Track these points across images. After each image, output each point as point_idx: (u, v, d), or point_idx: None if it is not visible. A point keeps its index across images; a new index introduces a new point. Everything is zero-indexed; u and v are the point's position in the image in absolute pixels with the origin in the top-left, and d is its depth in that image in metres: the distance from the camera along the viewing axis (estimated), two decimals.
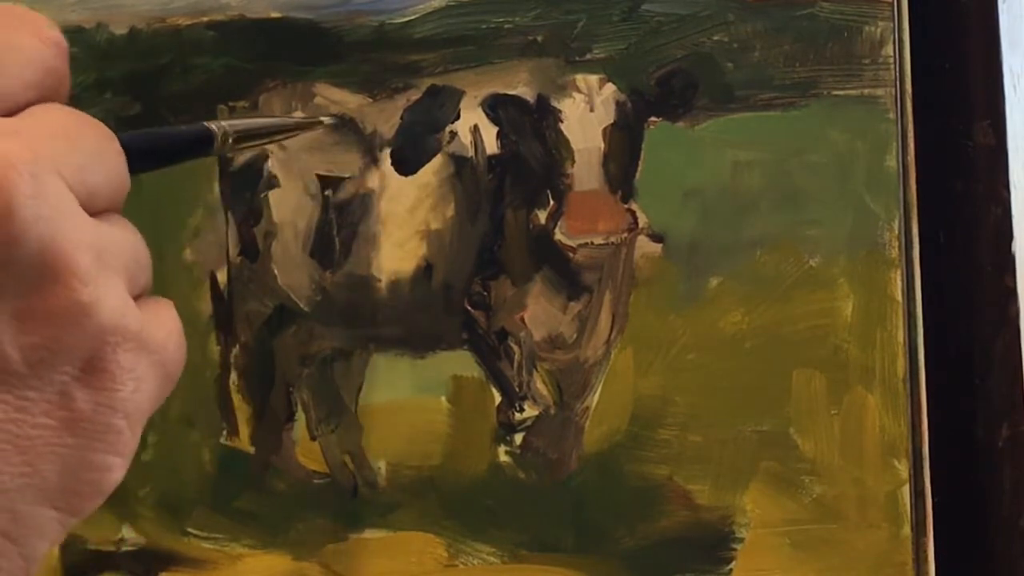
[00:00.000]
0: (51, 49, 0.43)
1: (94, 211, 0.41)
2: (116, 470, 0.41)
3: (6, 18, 0.41)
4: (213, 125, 0.53)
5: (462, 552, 0.73)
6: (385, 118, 0.74)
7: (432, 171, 0.74)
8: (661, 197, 0.71)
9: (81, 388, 0.39)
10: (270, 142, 0.70)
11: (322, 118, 0.72)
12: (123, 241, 0.43)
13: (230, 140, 0.54)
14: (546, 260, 0.73)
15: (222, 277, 0.76)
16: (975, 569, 0.72)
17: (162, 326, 0.44)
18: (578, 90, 0.72)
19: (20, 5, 0.42)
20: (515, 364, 0.73)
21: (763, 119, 0.71)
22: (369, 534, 0.74)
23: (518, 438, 0.73)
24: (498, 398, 0.73)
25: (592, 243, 0.72)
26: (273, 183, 0.76)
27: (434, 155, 0.74)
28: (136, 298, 0.43)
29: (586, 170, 0.72)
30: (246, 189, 0.76)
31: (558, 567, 0.72)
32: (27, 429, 0.38)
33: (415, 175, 0.74)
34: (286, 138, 0.70)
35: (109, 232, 0.41)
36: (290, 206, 0.76)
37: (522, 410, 0.73)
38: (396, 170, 0.74)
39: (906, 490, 0.69)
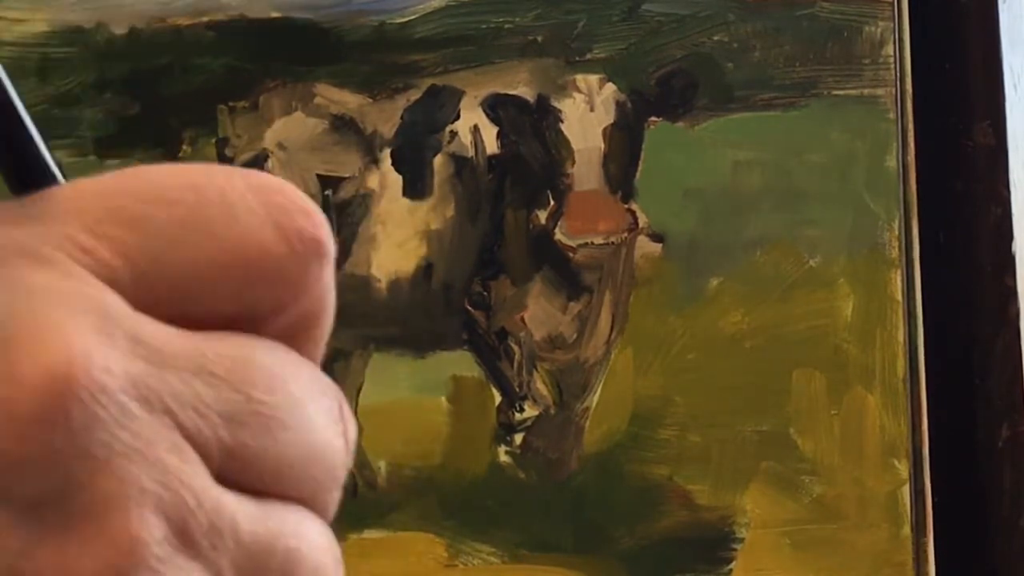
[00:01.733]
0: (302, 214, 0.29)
1: (244, 483, 0.27)
2: None
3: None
4: None
5: (462, 552, 0.73)
6: (385, 118, 0.74)
7: (432, 171, 0.74)
8: (661, 197, 0.71)
9: None
10: None
11: None
12: (273, 545, 0.27)
13: None
14: (546, 260, 0.73)
15: None
16: (975, 569, 0.72)
17: None
18: (578, 90, 0.72)
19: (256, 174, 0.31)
20: (515, 364, 0.73)
21: (763, 119, 0.71)
22: (369, 534, 0.74)
23: (518, 438, 0.73)
24: (498, 398, 0.73)
25: (592, 243, 0.72)
26: None
27: (434, 155, 0.74)
28: None
29: (586, 170, 0.72)
30: None
31: (558, 567, 0.72)
32: None
33: (416, 187, 0.74)
34: None
35: (246, 519, 0.27)
36: None
37: (522, 410, 0.73)
38: (396, 170, 0.74)
39: (906, 490, 0.69)
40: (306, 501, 0.28)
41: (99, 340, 0.26)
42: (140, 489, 0.25)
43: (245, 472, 0.27)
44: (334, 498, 0.28)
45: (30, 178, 0.27)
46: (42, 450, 0.25)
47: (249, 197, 0.28)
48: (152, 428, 0.26)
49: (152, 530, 0.25)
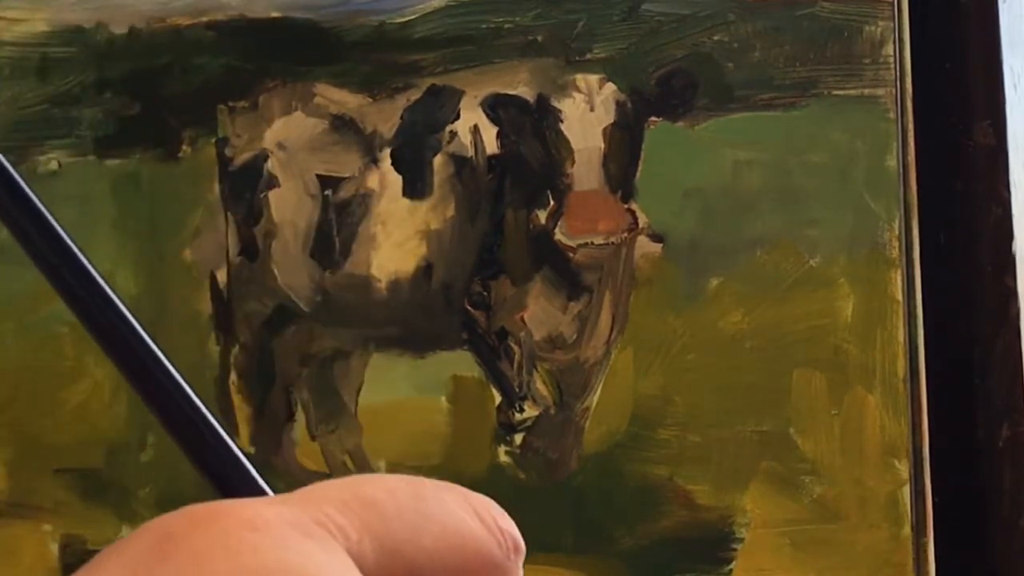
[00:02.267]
0: (497, 543, 0.32)
1: None
2: None
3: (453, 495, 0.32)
4: None
5: None
6: (385, 118, 0.74)
7: (432, 171, 0.74)
8: (661, 197, 0.71)
9: None
10: None
11: None
12: None
13: None
14: (546, 260, 0.73)
15: (222, 277, 0.76)
16: (975, 569, 0.72)
17: None
18: (578, 90, 0.72)
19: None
20: (515, 364, 0.73)
21: (763, 119, 0.70)
22: None
23: (518, 438, 0.73)
24: (498, 398, 0.73)
25: (592, 243, 0.72)
26: (273, 183, 0.76)
27: (434, 155, 0.74)
28: None
29: (586, 170, 0.72)
30: (246, 189, 0.76)
31: (558, 567, 0.72)
32: None
33: (416, 187, 0.74)
34: None
35: None
36: (290, 206, 0.76)
37: (522, 410, 0.73)
38: (396, 170, 0.74)
39: (906, 490, 0.69)
40: None
41: None
42: None
43: None
44: None
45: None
46: None
47: (452, 494, 0.31)
48: None
49: None
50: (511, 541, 0.32)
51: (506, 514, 0.32)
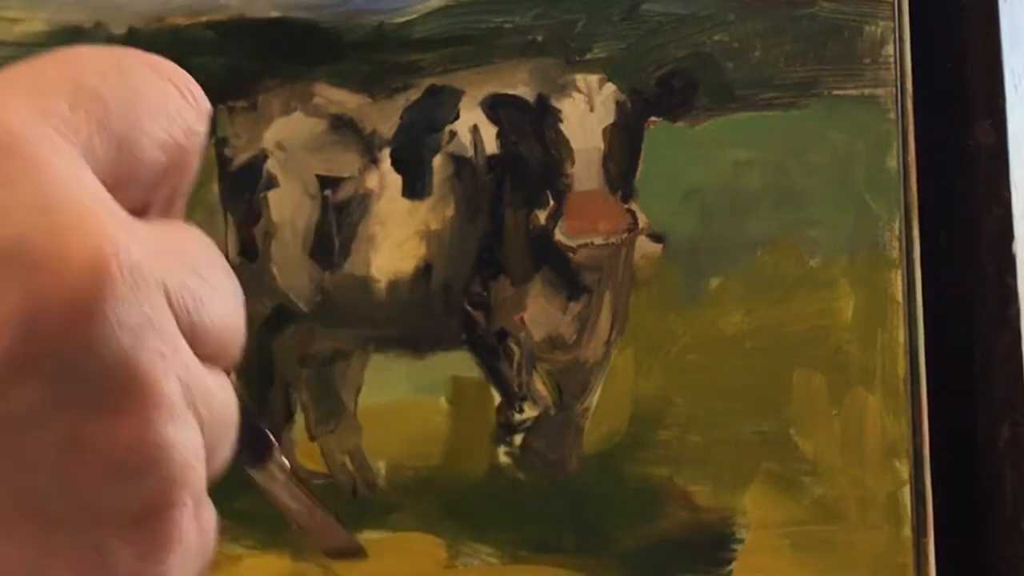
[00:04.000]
0: (196, 110, 0.34)
1: (197, 352, 0.33)
2: None
3: (150, 71, 0.34)
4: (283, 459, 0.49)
5: (462, 553, 0.73)
6: (385, 118, 0.74)
7: (432, 171, 0.74)
8: (661, 197, 0.71)
9: (123, 545, 0.31)
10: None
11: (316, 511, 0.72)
12: (218, 396, 0.33)
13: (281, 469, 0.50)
14: (546, 260, 0.72)
15: None
16: (975, 569, 0.72)
17: (211, 511, 0.34)
18: (578, 90, 0.72)
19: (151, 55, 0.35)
20: (515, 364, 0.73)
21: (763, 119, 0.70)
22: (369, 535, 0.74)
23: (518, 439, 0.73)
24: (498, 398, 0.73)
25: (592, 243, 0.72)
26: (272, 183, 0.76)
27: (434, 155, 0.74)
28: None
29: (586, 170, 0.72)
30: (245, 189, 0.76)
31: (558, 567, 0.72)
32: None
33: (416, 187, 0.74)
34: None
35: (207, 378, 0.33)
36: (290, 206, 0.75)
37: (522, 411, 0.73)
38: (396, 170, 0.74)
39: (907, 491, 0.69)
40: (224, 363, 0.34)
41: (111, 218, 0.30)
42: (162, 355, 0.30)
43: (197, 342, 0.32)
44: (237, 359, 0.34)
45: None
46: (94, 328, 0.29)
47: (146, 64, 0.33)
48: (161, 305, 0.31)
49: (176, 391, 0.31)
50: (201, 102, 0.34)
51: (188, 74, 0.34)
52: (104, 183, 0.32)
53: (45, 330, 0.29)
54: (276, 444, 0.46)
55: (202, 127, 0.34)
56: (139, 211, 0.33)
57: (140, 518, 0.31)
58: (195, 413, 0.32)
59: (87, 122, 0.32)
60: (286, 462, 0.48)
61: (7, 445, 0.29)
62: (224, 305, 0.34)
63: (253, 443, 0.45)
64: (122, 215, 0.31)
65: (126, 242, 0.30)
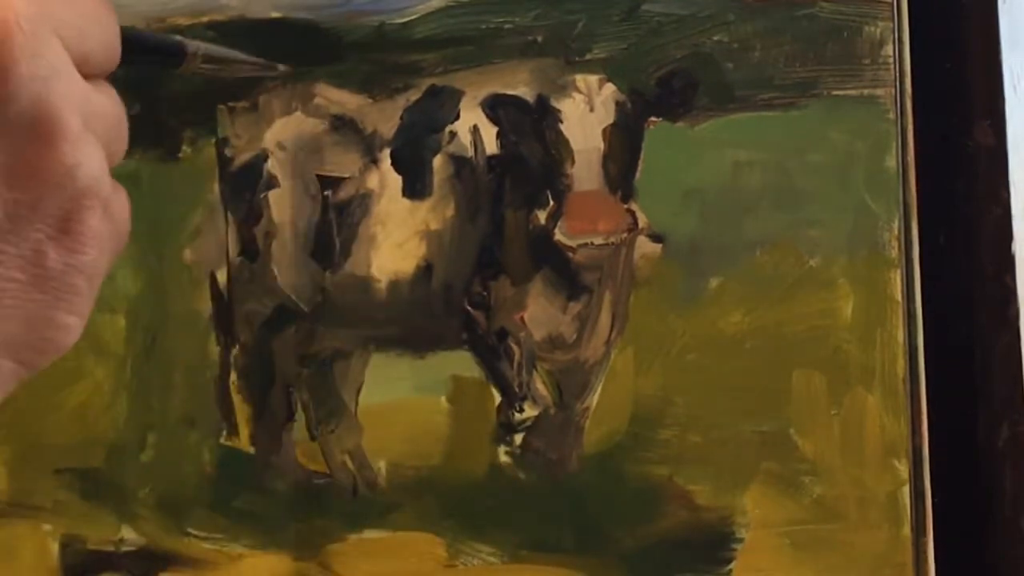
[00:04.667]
0: None
1: (86, 76, 0.42)
2: (74, 330, 0.42)
3: None
4: (189, 44, 0.55)
5: (462, 552, 0.73)
6: (385, 118, 0.74)
7: (432, 171, 0.74)
8: (661, 197, 0.71)
9: (54, 247, 0.41)
10: (229, 72, 0.69)
11: (278, 65, 0.72)
12: (108, 108, 0.44)
13: (199, 59, 0.55)
14: (546, 260, 0.73)
15: (222, 277, 0.76)
16: (975, 569, 0.72)
17: (121, 199, 0.44)
18: (578, 90, 0.72)
19: None
20: (515, 364, 0.73)
21: (763, 119, 0.70)
22: (369, 534, 0.74)
23: (518, 438, 0.73)
24: (498, 398, 0.73)
25: (592, 243, 0.72)
26: (273, 183, 0.76)
27: (434, 155, 0.74)
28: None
29: (586, 170, 0.72)
30: (246, 189, 0.76)
31: (558, 567, 0.72)
32: (2, 284, 0.40)
33: (416, 187, 0.74)
34: (244, 73, 0.70)
35: (97, 98, 0.43)
36: (290, 206, 0.76)
37: (522, 410, 0.73)
38: (396, 170, 0.74)
39: (906, 490, 0.69)
40: (108, 68, 0.44)
41: None
42: (64, 96, 0.40)
43: (86, 65, 0.41)
44: (115, 60, 0.45)
45: None
46: (10, 85, 0.38)
47: None
48: (59, 50, 0.40)
49: (77, 122, 0.40)
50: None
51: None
52: None
53: None
54: (188, 44, 0.51)
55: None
56: None
57: (62, 222, 0.41)
58: (95, 132, 0.41)
59: None
60: (202, 46, 0.53)
61: None
62: (102, 27, 0.43)
63: (164, 53, 0.54)
64: None
65: (24, 7, 0.38)
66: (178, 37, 0.55)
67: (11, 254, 0.40)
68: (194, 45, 0.55)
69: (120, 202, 0.44)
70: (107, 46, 0.44)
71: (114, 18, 0.45)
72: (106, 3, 0.45)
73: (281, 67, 0.69)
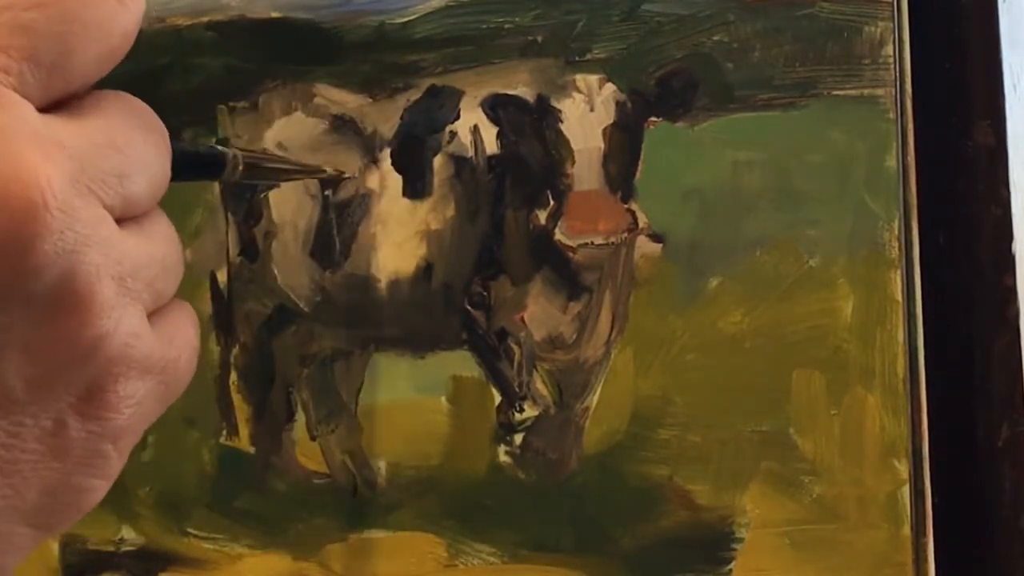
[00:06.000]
0: (131, 13, 0.40)
1: (130, 216, 0.39)
2: (98, 491, 0.41)
3: None
4: (228, 151, 0.53)
5: (462, 552, 0.73)
6: (385, 118, 0.74)
7: (432, 171, 0.74)
8: (661, 197, 0.71)
9: (76, 416, 0.38)
10: (275, 180, 0.70)
11: (329, 170, 0.72)
12: (152, 254, 0.40)
13: (239, 168, 0.53)
14: (546, 260, 0.73)
15: (222, 277, 0.76)
16: (975, 569, 0.72)
17: (174, 342, 0.42)
18: (578, 90, 0.72)
19: None
20: (515, 364, 0.73)
21: (763, 119, 0.70)
22: (369, 534, 0.74)
23: (518, 438, 0.73)
24: (498, 398, 0.73)
25: (592, 243, 0.72)
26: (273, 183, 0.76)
27: (434, 155, 0.74)
28: (157, 310, 0.42)
29: (586, 170, 0.72)
30: (246, 189, 0.76)
31: (558, 567, 0.72)
32: (16, 454, 0.37)
33: (416, 187, 0.74)
34: (291, 179, 0.70)
35: (137, 250, 0.39)
36: (290, 206, 0.76)
37: (522, 410, 0.73)
38: (396, 170, 0.74)
39: (906, 490, 0.69)
40: (154, 201, 0.41)
41: (44, 158, 0.35)
42: (96, 264, 0.36)
43: (130, 209, 0.38)
44: (163, 189, 0.42)
45: None
46: (33, 261, 0.35)
47: None
48: (90, 212, 0.36)
49: (109, 289, 0.37)
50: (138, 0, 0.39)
51: None
52: (38, 106, 0.36)
53: None
54: (227, 151, 0.50)
55: (137, 24, 0.40)
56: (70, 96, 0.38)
57: (87, 392, 0.38)
58: (132, 290, 0.39)
59: (18, 61, 0.36)
60: (239, 154, 0.52)
61: None
62: (151, 164, 0.40)
63: (206, 168, 0.52)
64: (49, 138, 0.36)
65: (56, 177, 0.35)
66: (220, 148, 0.53)
67: (30, 426, 0.37)
68: (235, 153, 0.53)
69: (172, 347, 0.41)
70: (155, 181, 0.41)
71: (165, 144, 0.41)
72: (157, 133, 0.41)
73: (329, 170, 0.70)
